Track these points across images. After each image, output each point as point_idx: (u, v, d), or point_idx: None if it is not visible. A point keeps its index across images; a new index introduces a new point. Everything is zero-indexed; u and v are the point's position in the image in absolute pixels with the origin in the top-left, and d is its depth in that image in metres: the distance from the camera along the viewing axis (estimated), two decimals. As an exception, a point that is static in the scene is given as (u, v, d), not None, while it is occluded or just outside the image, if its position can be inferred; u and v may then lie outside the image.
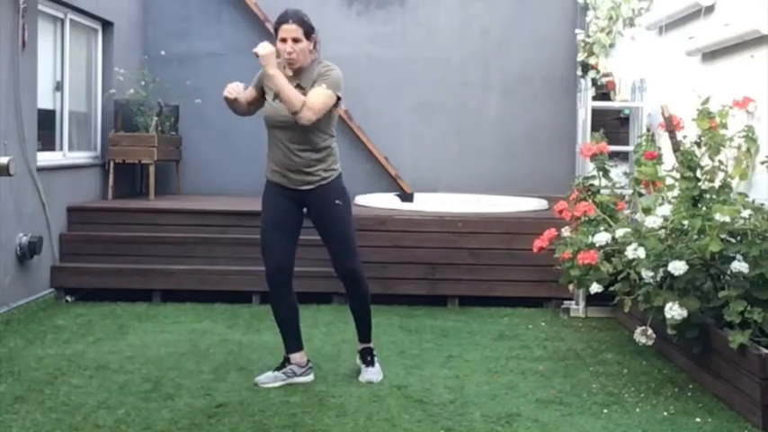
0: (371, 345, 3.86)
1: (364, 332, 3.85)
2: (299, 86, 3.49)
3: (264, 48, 3.39)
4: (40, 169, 5.36)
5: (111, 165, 6.47)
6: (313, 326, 4.75)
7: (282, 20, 3.49)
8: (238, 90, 3.54)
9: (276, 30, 3.51)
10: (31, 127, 5.23)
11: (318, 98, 3.42)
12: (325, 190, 3.61)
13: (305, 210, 3.70)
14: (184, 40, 7.43)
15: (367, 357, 3.81)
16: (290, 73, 3.52)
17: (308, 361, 3.76)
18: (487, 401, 3.48)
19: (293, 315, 3.74)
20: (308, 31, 3.50)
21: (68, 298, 5.44)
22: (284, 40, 3.46)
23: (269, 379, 3.65)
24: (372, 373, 3.75)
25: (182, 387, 3.57)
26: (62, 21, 5.98)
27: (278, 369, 3.70)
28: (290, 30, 3.45)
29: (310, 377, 3.72)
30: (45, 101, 5.74)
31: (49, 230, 5.46)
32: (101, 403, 3.33)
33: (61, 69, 6.02)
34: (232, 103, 3.58)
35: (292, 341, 3.74)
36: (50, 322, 4.80)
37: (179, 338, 4.47)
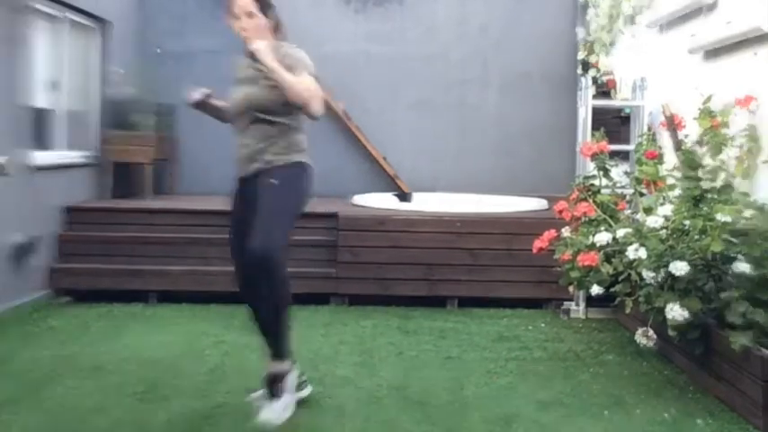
0: (284, 367, 3.16)
1: (271, 347, 3.17)
2: (259, 71, 3.16)
3: (261, 43, 3.11)
4: (36, 169, 5.32)
5: (108, 164, 6.42)
6: (311, 327, 4.72)
7: None
8: (200, 92, 3.30)
9: (227, 6, 3.20)
10: (26, 126, 5.18)
11: (314, 86, 3.12)
12: (267, 172, 3.16)
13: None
14: (182, 38, 7.39)
15: (273, 386, 3.12)
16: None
17: (302, 374, 3.42)
18: (487, 403, 3.44)
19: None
20: (264, 6, 3.19)
21: (64, 299, 5.40)
22: (237, 17, 3.16)
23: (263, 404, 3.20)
24: (271, 412, 3.05)
25: (178, 389, 3.53)
26: (59, 19, 5.93)
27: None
28: (242, 4, 3.14)
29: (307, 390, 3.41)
30: (42, 100, 5.70)
31: (44, 231, 5.42)
32: (97, 405, 3.29)
33: (58, 68, 5.98)
34: (209, 111, 3.38)
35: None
36: (46, 323, 4.75)
37: (175, 340, 4.43)
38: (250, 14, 3.17)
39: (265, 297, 3.07)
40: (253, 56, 3.17)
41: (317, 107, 3.09)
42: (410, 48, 7.47)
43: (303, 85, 3.07)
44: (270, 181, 3.13)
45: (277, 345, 3.17)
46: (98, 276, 5.47)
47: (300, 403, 3.35)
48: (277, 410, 3.09)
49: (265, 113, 3.19)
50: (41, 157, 5.54)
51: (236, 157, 3.30)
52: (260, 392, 3.21)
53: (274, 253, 2.98)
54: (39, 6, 5.45)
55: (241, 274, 3.24)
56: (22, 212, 5.15)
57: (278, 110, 3.18)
